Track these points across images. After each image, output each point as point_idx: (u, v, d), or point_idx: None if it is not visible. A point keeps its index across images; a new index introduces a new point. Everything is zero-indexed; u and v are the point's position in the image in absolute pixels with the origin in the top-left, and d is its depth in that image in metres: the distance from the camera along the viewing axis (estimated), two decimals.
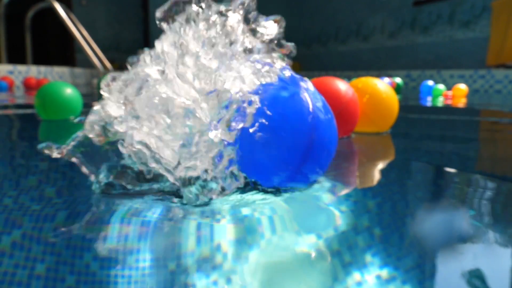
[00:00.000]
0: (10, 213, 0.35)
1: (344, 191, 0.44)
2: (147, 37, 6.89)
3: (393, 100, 0.85)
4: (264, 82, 0.38)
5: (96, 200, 0.38)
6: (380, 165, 0.61)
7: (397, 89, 3.13)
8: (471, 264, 0.28)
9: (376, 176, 0.54)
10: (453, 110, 1.77)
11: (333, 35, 6.21)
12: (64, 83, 1.12)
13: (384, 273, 0.26)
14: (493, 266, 0.28)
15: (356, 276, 0.26)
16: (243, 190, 0.40)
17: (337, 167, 0.54)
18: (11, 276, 0.25)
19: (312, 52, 6.51)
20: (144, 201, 0.37)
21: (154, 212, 0.34)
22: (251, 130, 0.36)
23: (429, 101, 2.31)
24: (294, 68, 6.84)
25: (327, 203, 0.39)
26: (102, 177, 0.38)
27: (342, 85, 0.75)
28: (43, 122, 1.08)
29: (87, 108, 1.18)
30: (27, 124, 1.14)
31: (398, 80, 3.21)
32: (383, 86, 0.84)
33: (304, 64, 6.29)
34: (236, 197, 0.39)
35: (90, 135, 0.36)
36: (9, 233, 0.31)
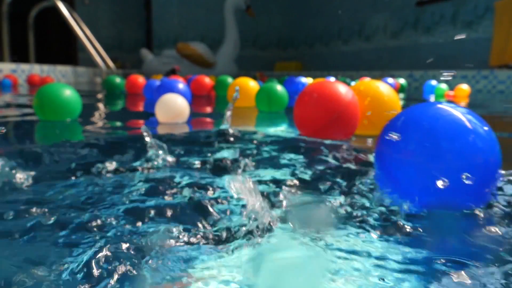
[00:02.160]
0: None
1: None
2: (149, 36, 6.89)
3: (395, 103, 0.84)
4: None
5: None
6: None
7: (401, 89, 3.14)
8: None
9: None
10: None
11: (335, 35, 6.20)
12: (63, 85, 1.12)
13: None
14: None
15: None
16: None
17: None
18: None
19: (314, 51, 6.49)
20: None
21: None
22: None
23: (431, 100, 2.31)
24: (296, 67, 6.70)
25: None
26: None
27: (342, 88, 0.75)
28: (40, 122, 1.09)
29: (87, 109, 1.17)
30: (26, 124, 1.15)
31: (401, 81, 3.21)
32: (385, 88, 0.84)
33: (306, 63, 6.28)
34: None
35: None
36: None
